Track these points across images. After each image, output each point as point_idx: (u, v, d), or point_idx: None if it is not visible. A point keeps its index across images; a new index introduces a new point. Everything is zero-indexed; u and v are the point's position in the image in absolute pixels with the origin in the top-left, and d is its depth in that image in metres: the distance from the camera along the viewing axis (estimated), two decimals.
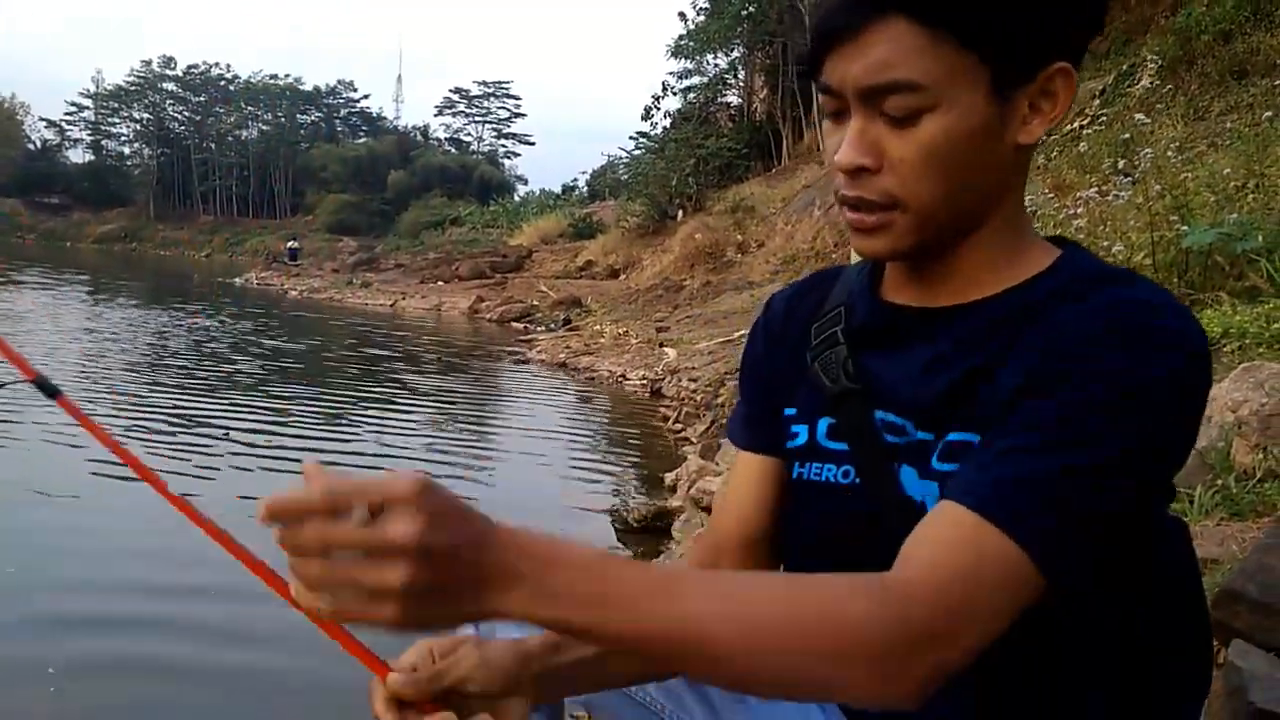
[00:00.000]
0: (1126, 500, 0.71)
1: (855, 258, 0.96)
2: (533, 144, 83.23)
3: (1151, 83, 8.70)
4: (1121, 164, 4.90)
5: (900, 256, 0.82)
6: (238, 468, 5.93)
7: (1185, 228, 4.09)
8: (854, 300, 0.91)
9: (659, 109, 27.55)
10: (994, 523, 0.68)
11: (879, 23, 0.73)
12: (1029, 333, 0.76)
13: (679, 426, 8.05)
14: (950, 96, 0.73)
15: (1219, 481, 2.39)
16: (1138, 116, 5.46)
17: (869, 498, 0.83)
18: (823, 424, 0.89)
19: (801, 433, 0.91)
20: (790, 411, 0.93)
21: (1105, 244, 4.54)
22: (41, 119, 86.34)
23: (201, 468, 5.83)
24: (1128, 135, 5.26)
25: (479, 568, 0.61)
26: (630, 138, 41.40)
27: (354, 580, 0.58)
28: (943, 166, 0.75)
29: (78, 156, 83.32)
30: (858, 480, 0.85)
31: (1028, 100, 0.76)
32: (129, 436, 6.41)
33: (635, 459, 7.20)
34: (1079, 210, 5.00)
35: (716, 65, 27.05)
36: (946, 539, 0.69)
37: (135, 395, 8.45)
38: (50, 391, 0.72)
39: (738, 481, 0.99)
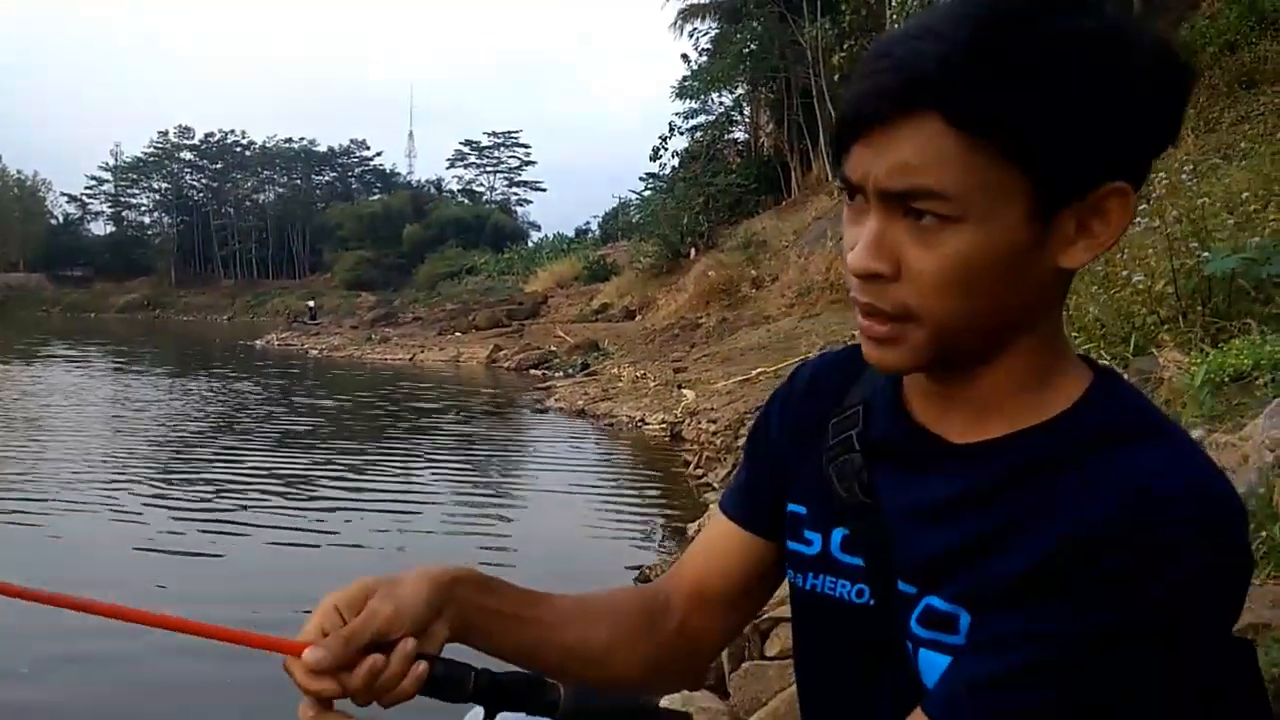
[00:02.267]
0: None
1: None
2: (544, 190, 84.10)
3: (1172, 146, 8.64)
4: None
5: (913, 371, 0.75)
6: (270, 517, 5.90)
7: (1206, 254, 3.98)
8: (875, 400, 0.83)
9: (666, 149, 27.71)
10: None
11: (911, 119, 0.64)
12: (1043, 502, 0.68)
13: (700, 472, 7.95)
14: (982, 210, 0.65)
15: (1263, 532, 2.25)
16: None
17: (884, 624, 0.76)
18: (837, 535, 0.82)
19: (815, 541, 0.84)
20: (798, 509, 0.86)
21: (1124, 273, 4.44)
22: (63, 194, 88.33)
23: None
24: None
25: None
26: (640, 179, 41.68)
27: None
28: (966, 285, 0.67)
29: (99, 229, 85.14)
30: (872, 601, 0.78)
31: (1075, 219, 0.67)
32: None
33: (657, 508, 7.10)
34: None
35: (721, 103, 27.26)
36: None
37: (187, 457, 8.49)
38: None
39: (713, 543, 0.95)
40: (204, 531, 6.15)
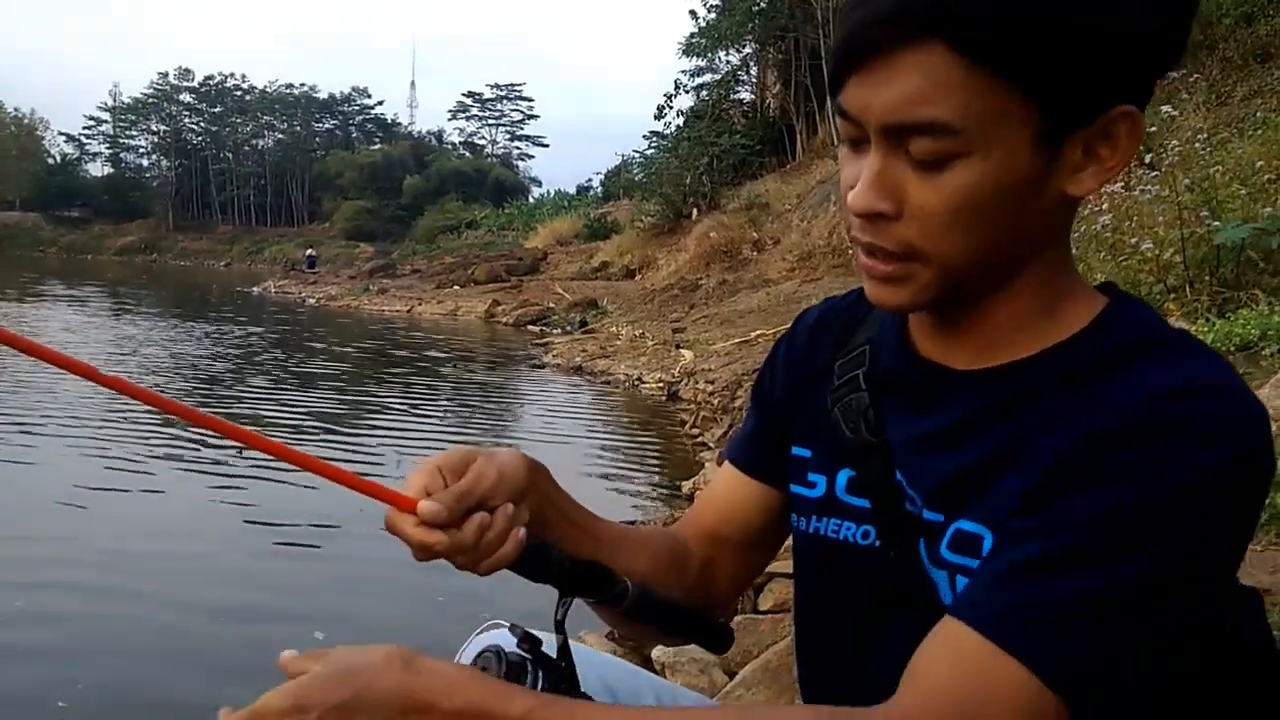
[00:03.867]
0: (1166, 623, 0.61)
1: None
2: (546, 146, 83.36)
3: (1174, 70, 8.54)
4: (1148, 157, 4.75)
5: (918, 309, 0.73)
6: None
7: (1216, 223, 3.95)
8: (882, 340, 0.81)
9: (671, 107, 27.41)
10: (1008, 650, 0.59)
11: (914, 48, 0.60)
12: (1056, 414, 0.66)
13: (696, 431, 7.95)
14: (988, 141, 0.62)
15: (1266, 501, 2.24)
16: (1163, 108, 5.29)
17: (891, 565, 0.75)
18: (842, 476, 0.81)
19: (820, 484, 0.83)
20: (802, 453, 0.85)
21: (1133, 241, 4.41)
22: (61, 133, 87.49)
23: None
24: (1152, 128, 5.11)
25: None
26: (644, 137, 41.38)
27: None
28: (973, 219, 0.64)
29: (97, 170, 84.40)
30: (878, 543, 0.77)
31: (1082, 145, 0.65)
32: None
33: (653, 466, 7.11)
34: (1104, 206, 4.86)
35: (729, 62, 26.93)
36: (950, 665, 0.61)
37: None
38: None
39: (723, 491, 0.95)
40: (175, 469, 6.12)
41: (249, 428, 0.71)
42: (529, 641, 0.75)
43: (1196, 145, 4.70)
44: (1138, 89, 0.65)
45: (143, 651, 3.45)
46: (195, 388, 10.22)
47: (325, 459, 0.72)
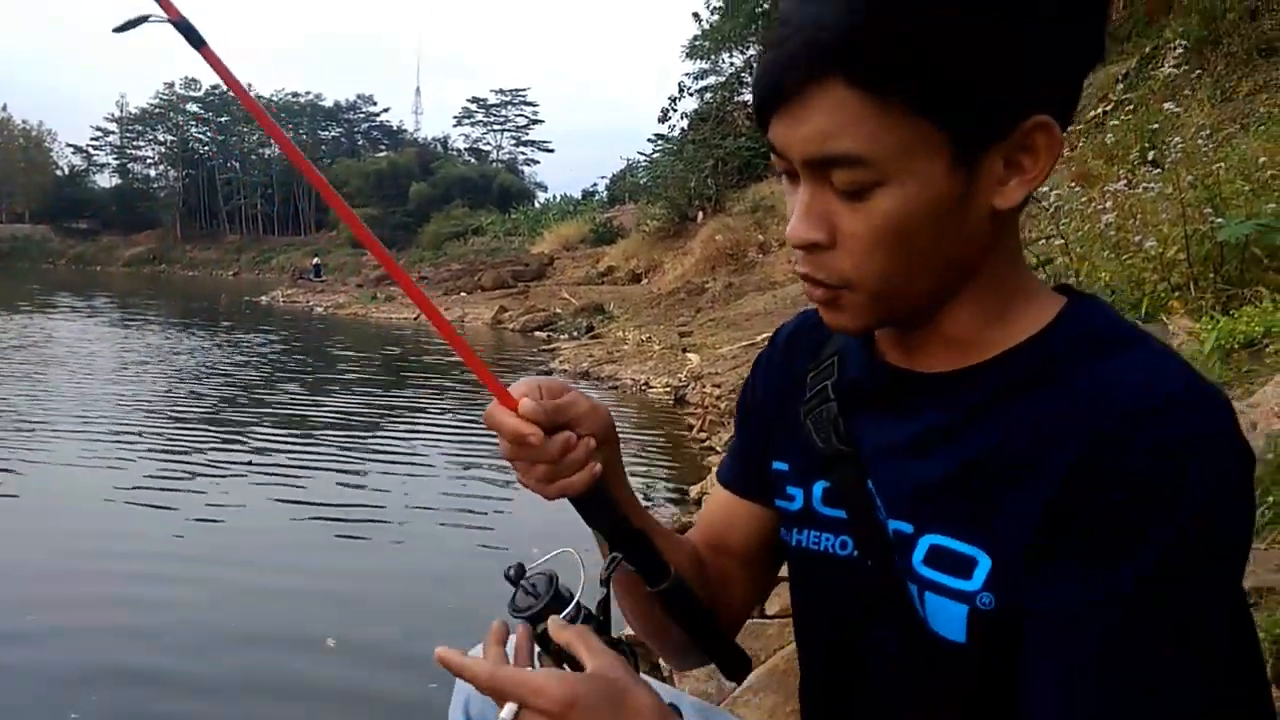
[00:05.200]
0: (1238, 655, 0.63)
1: None
2: (551, 151, 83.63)
3: (1177, 65, 8.47)
4: (1151, 154, 4.73)
5: (869, 329, 0.75)
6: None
7: (1219, 219, 3.93)
8: (848, 350, 0.82)
9: (676, 111, 27.39)
10: None
11: (817, 87, 0.62)
12: (1029, 422, 0.66)
13: (703, 435, 7.95)
14: (902, 168, 0.63)
15: (1270, 498, 2.24)
16: (1166, 105, 5.27)
17: (870, 574, 0.75)
18: (818, 488, 0.81)
19: (797, 496, 0.84)
20: (781, 466, 0.86)
21: (1137, 239, 4.39)
22: (69, 145, 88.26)
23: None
24: (1155, 125, 5.08)
25: None
26: (648, 140, 41.34)
27: None
28: (900, 243, 0.66)
29: (105, 181, 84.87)
30: (856, 553, 0.77)
31: (1001, 159, 0.65)
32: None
33: (661, 471, 7.10)
34: (1107, 204, 4.84)
35: (732, 64, 26.87)
36: None
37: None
38: (195, 40, 0.75)
39: (717, 511, 0.96)
40: (200, 477, 6.21)
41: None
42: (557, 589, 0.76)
43: (1199, 142, 4.68)
44: (1050, 96, 0.65)
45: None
46: (236, 395, 10.49)
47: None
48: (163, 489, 5.95)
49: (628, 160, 45.65)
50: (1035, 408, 0.66)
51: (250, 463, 6.83)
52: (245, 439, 7.83)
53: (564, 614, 0.73)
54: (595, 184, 54.77)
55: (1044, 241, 5.00)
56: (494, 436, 0.77)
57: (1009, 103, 0.63)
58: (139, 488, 5.95)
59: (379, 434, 8.54)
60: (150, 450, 7.28)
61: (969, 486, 0.68)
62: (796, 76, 0.63)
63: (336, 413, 9.62)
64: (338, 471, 6.70)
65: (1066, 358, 0.67)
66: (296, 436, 8.12)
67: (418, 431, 8.71)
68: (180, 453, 7.21)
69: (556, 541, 0.86)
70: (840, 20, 0.61)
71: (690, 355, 11.79)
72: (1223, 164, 4.52)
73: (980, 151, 0.64)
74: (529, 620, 0.74)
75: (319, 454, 7.41)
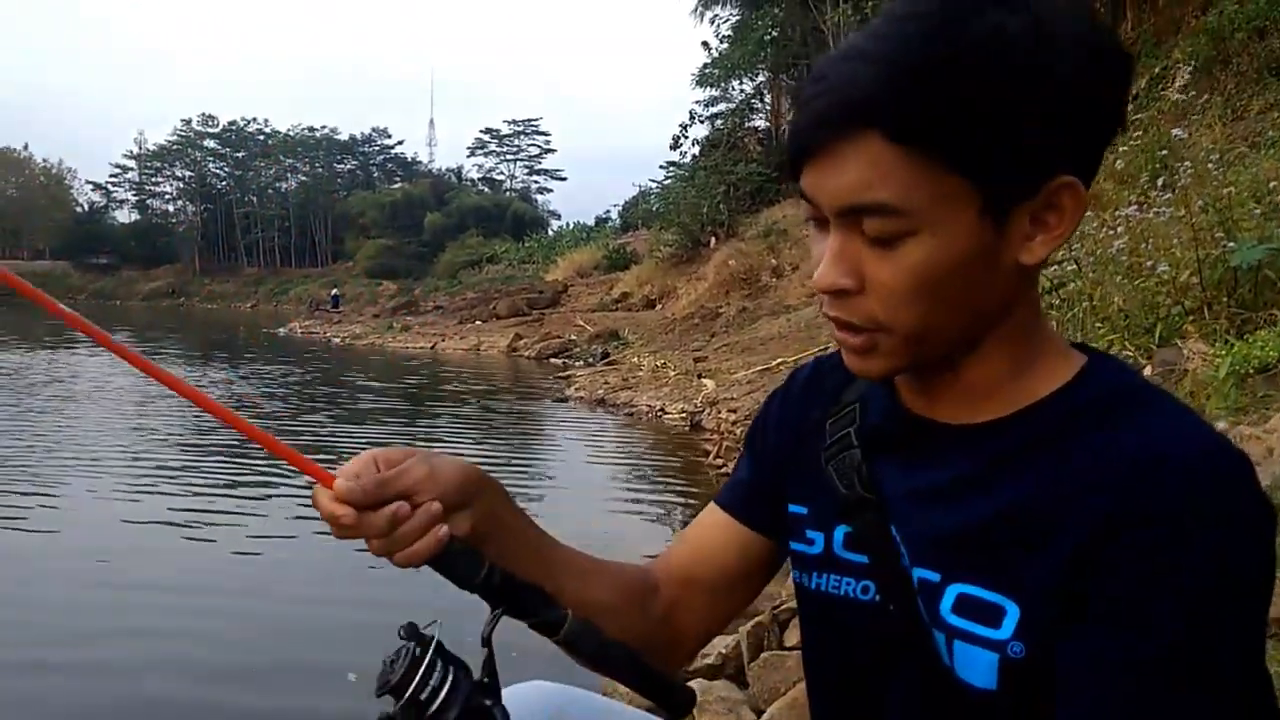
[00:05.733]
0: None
1: None
2: (564, 179, 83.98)
3: (1185, 85, 8.49)
4: (1160, 180, 4.74)
5: (894, 375, 0.76)
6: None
7: (1231, 244, 3.94)
8: (871, 396, 0.84)
9: (687, 137, 27.58)
10: None
11: (853, 140, 0.65)
12: (1056, 477, 0.68)
13: (719, 462, 7.94)
14: (934, 219, 0.66)
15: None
16: (1175, 131, 5.28)
17: (893, 620, 0.77)
18: (839, 532, 0.82)
19: (818, 540, 0.85)
20: (799, 510, 0.87)
21: (1149, 263, 4.39)
22: (88, 182, 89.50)
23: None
24: (1165, 150, 5.10)
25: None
26: (660, 167, 41.55)
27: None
28: (929, 292, 0.68)
29: (124, 217, 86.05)
30: (878, 598, 0.78)
31: (1029, 215, 0.68)
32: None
33: (677, 497, 7.11)
34: (1119, 229, 4.85)
35: (742, 91, 27.07)
36: None
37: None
38: None
39: (706, 533, 0.95)
40: (218, 511, 6.29)
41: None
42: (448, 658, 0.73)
43: (1210, 165, 4.68)
44: (1077, 158, 0.68)
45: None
46: (266, 425, 10.52)
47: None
48: (202, 521, 6.09)
49: (640, 187, 45.88)
50: (1060, 463, 0.68)
51: (285, 494, 6.95)
52: (279, 471, 7.94)
53: (433, 679, 0.71)
54: (608, 211, 55.06)
55: (1056, 266, 5.00)
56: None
57: (1037, 162, 0.66)
58: (170, 522, 6.03)
59: None
60: (185, 483, 7.41)
61: (996, 537, 0.70)
62: (832, 130, 0.66)
63: (366, 443, 9.69)
64: None
65: (1091, 415, 0.69)
66: (329, 467, 8.21)
67: (461, 453, 8.80)
68: (217, 485, 7.33)
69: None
70: (879, 77, 0.64)
71: (705, 381, 11.79)
72: (1233, 187, 4.52)
73: (1009, 208, 0.67)
74: (391, 694, 0.71)
75: None
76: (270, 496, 6.85)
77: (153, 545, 5.56)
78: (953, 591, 0.72)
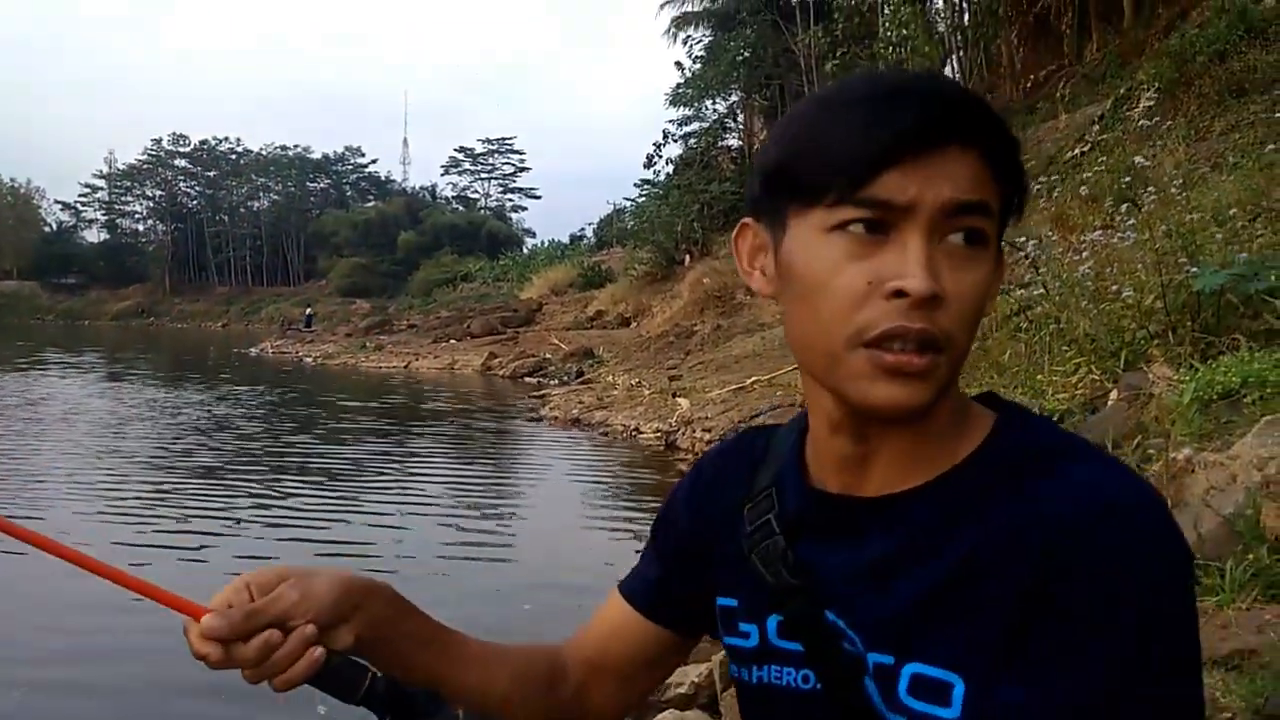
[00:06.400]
0: None
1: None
2: (539, 197, 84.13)
3: (1149, 106, 8.64)
4: (1125, 206, 4.81)
5: (926, 411, 0.70)
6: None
7: (1194, 269, 3.99)
8: (784, 480, 0.81)
9: (661, 156, 27.75)
10: None
11: (961, 148, 0.68)
12: (985, 544, 0.68)
13: None
14: (993, 239, 0.71)
15: (1250, 555, 2.25)
16: (1137, 159, 5.37)
17: (836, 708, 0.75)
18: (772, 622, 0.80)
19: (752, 633, 0.82)
20: (729, 602, 0.84)
21: (1114, 288, 4.45)
22: (57, 201, 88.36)
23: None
24: (1129, 178, 5.18)
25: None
26: (635, 185, 41.71)
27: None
28: (980, 313, 0.71)
29: (93, 236, 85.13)
30: (819, 686, 0.76)
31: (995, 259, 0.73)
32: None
33: (652, 518, 7.12)
34: (1085, 253, 4.91)
35: (715, 110, 27.28)
36: None
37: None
38: None
39: (611, 623, 0.94)
40: (196, 533, 6.26)
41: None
42: None
43: (1173, 190, 4.76)
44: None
45: None
46: (247, 447, 10.73)
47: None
48: (189, 543, 6.18)
49: (614, 205, 45.99)
50: (986, 525, 0.67)
51: (271, 509, 7.08)
52: (266, 488, 8.03)
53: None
54: (583, 229, 55.00)
55: (1023, 290, 5.06)
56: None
57: (1017, 207, 0.72)
58: (163, 546, 6.12)
59: (382, 480, 8.63)
60: (170, 504, 7.47)
61: (935, 611, 0.69)
62: (946, 135, 0.68)
63: (346, 460, 9.81)
64: (336, 515, 6.73)
65: (1011, 473, 0.68)
66: (311, 484, 8.34)
67: (426, 475, 8.80)
68: (206, 504, 7.37)
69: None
70: (976, 101, 0.69)
71: (680, 400, 11.80)
72: (1196, 212, 4.59)
73: (998, 244, 0.71)
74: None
75: (336, 499, 7.67)
76: (258, 517, 6.85)
77: (143, 563, 5.62)
78: (907, 672, 0.70)
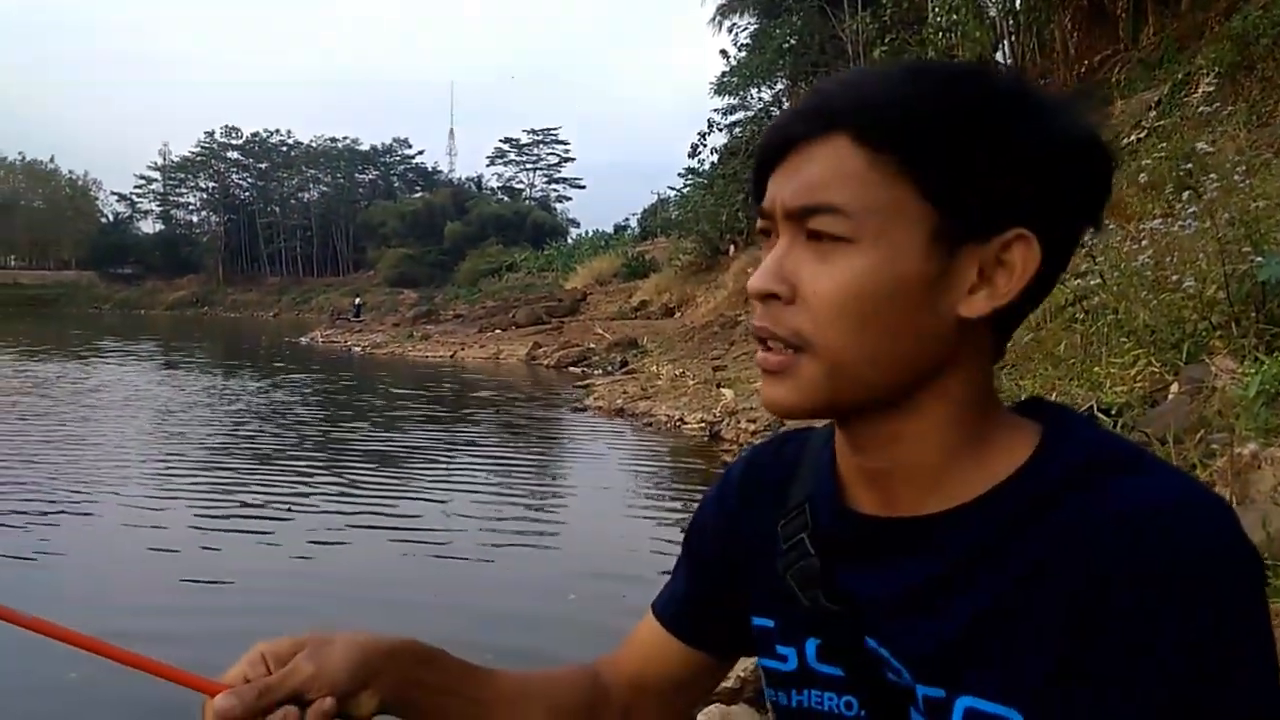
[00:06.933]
0: None
1: None
2: (583, 187, 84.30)
3: (1209, 92, 8.39)
4: (1186, 194, 4.67)
5: (808, 413, 0.70)
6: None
7: (1259, 258, 3.87)
8: (818, 495, 0.78)
9: (705, 145, 27.59)
10: None
11: (823, 141, 0.65)
12: (1032, 569, 0.64)
13: None
14: (881, 231, 0.64)
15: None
16: (1199, 145, 5.19)
17: None
18: (810, 645, 0.77)
19: (790, 656, 0.79)
20: (765, 623, 0.81)
21: (1174, 277, 4.33)
22: (113, 193, 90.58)
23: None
24: (1189, 165, 5.01)
25: None
26: (679, 175, 41.62)
27: None
28: (858, 312, 0.65)
29: (148, 227, 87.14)
30: (863, 713, 0.74)
31: (978, 264, 0.65)
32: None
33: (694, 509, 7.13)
34: (1144, 242, 4.79)
35: (761, 99, 27.05)
36: None
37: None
38: None
39: (647, 645, 0.91)
40: (265, 518, 6.54)
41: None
42: None
43: (1236, 176, 4.61)
44: (1041, 219, 0.65)
45: None
46: (310, 433, 11.03)
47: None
48: (261, 526, 6.43)
49: (659, 195, 45.88)
50: (1036, 546, 0.64)
51: (340, 495, 7.28)
52: (332, 473, 8.30)
53: None
54: (627, 219, 54.95)
55: (1080, 279, 4.95)
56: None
57: (996, 202, 0.64)
58: (237, 531, 6.34)
59: (434, 468, 8.84)
60: (243, 485, 7.78)
61: (986, 640, 0.65)
62: (807, 127, 0.66)
63: (409, 447, 10.04)
64: (400, 498, 7.00)
65: (1061, 489, 0.64)
66: (377, 469, 8.61)
67: (474, 465, 8.95)
68: (272, 489, 7.56)
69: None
70: (861, 90, 0.66)
71: (724, 390, 11.76)
72: (1261, 200, 4.44)
73: (960, 241, 0.64)
74: None
75: (403, 484, 7.98)
76: (322, 503, 7.03)
77: (221, 544, 5.92)
78: (960, 705, 0.67)
